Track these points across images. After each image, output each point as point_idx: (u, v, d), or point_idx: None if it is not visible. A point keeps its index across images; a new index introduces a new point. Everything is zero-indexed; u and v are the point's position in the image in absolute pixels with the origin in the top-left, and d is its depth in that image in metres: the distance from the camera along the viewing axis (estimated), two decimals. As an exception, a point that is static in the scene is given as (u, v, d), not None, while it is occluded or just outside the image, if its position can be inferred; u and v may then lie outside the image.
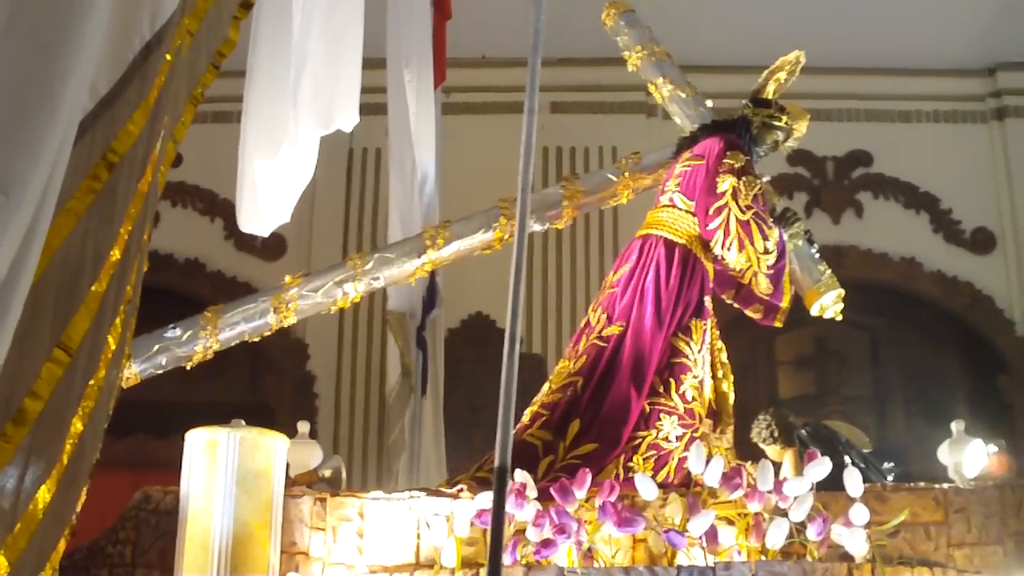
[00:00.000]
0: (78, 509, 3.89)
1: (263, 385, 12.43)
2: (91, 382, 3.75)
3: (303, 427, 7.88)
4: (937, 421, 12.44)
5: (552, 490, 6.13)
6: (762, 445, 7.59)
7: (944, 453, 7.72)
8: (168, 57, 4.06)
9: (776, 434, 7.53)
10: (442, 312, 9.27)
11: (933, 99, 14.23)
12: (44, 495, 3.58)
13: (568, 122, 13.84)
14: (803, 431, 7.50)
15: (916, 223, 13.85)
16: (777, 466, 7.07)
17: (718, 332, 7.44)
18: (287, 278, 7.67)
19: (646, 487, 6.20)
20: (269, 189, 6.78)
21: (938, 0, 13.10)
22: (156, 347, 7.24)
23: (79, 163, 3.67)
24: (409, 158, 9.07)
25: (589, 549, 6.06)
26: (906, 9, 13.22)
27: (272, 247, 13.31)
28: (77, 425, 3.74)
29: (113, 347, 3.87)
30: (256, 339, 7.72)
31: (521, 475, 6.20)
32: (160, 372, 7.31)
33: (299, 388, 12.84)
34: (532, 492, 6.16)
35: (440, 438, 9.25)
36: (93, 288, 3.72)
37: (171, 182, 13.35)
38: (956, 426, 7.77)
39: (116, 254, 3.84)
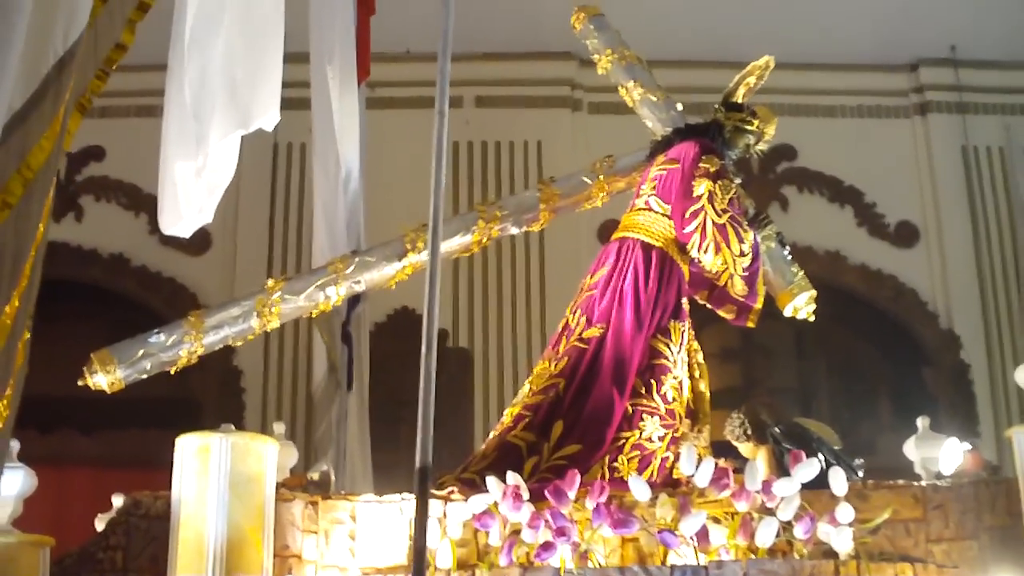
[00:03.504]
0: None
1: (189, 380, 12.29)
2: (3, 401, 3.70)
3: (279, 428, 7.84)
4: (862, 413, 12.59)
5: (547, 492, 6.25)
6: (735, 443, 7.73)
7: (911, 448, 7.87)
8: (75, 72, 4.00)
9: (749, 432, 7.69)
10: (367, 307, 9.21)
11: (857, 94, 14.42)
12: None
13: (493, 116, 13.85)
14: (776, 429, 7.63)
15: (841, 217, 14.01)
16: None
17: (693, 333, 7.60)
18: (269, 282, 7.75)
19: (639, 489, 6.33)
20: (189, 190, 6.68)
21: (861, -4, 13.25)
22: (140, 352, 7.25)
23: None
24: (333, 154, 9.00)
25: (585, 550, 6.18)
26: (829, 5, 13.40)
27: (197, 242, 13.17)
28: None
29: (19, 364, 3.82)
30: (239, 343, 7.80)
31: (513, 477, 6.34)
32: (144, 377, 7.34)
33: (225, 383, 12.75)
34: (525, 494, 6.26)
35: (365, 433, 9.20)
36: (7, 308, 3.66)
37: (94, 177, 13.31)
38: (922, 422, 7.93)
39: (27, 273, 3.78)
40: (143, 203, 13.15)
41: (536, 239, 13.09)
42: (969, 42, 13.97)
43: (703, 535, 6.17)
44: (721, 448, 7.67)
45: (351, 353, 8.96)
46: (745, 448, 7.65)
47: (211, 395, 12.72)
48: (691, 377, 7.49)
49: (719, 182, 7.55)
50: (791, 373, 13.56)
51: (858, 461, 7.60)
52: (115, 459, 12.12)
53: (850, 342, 13.65)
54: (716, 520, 6.32)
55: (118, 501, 7.08)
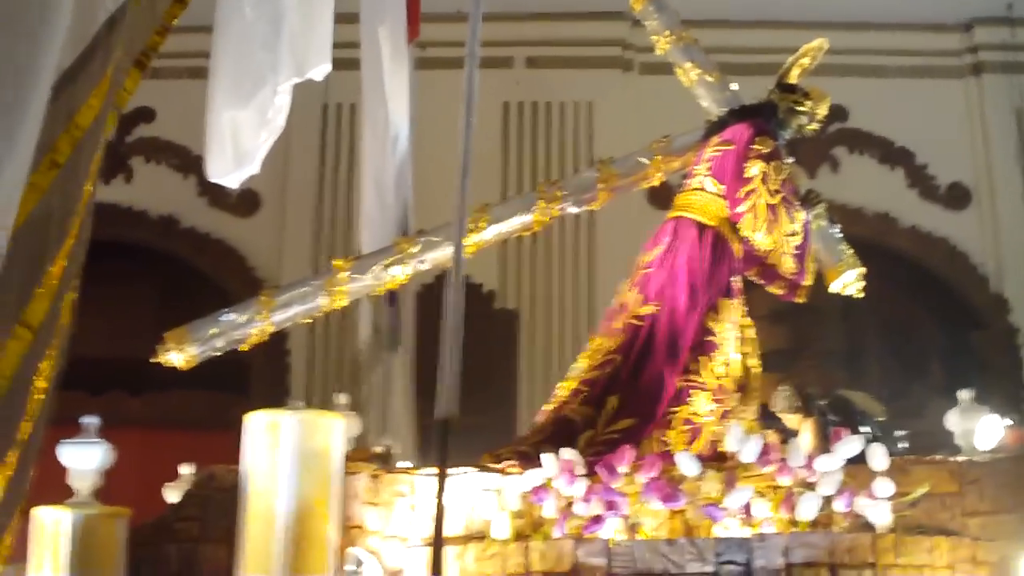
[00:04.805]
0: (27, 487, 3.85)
1: (235, 341, 12.36)
2: (45, 361, 3.71)
3: (342, 399, 8.05)
4: (911, 376, 12.48)
5: (597, 468, 6.49)
6: (782, 415, 7.85)
7: (952, 420, 7.91)
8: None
9: (796, 404, 7.75)
10: (414, 268, 9.23)
11: (910, 54, 14.29)
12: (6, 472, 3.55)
13: (544, 77, 13.85)
14: (821, 401, 7.68)
15: (891, 178, 13.93)
16: (794, 433, 7.65)
17: (745, 309, 7.83)
18: (337, 261, 8.03)
19: (689, 464, 6.50)
20: (241, 139, 6.74)
21: (916, -45, 13.10)
22: (213, 331, 7.61)
23: (40, 137, 3.60)
24: (382, 114, 9.06)
25: (634, 523, 6.39)
26: (884, -36, 13.22)
27: (246, 203, 13.31)
28: (34, 405, 3.70)
29: (64, 322, 3.84)
30: (308, 320, 8.26)
31: (569, 452, 6.58)
32: (218, 354, 7.72)
33: (271, 343, 12.74)
34: (581, 470, 6.47)
35: (411, 394, 9.22)
36: (52, 268, 3.67)
37: (144, 138, 13.42)
38: (965, 395, 7.96)
39: (74, 232, 3.79)
40: (193, 165, 13.20)
41: (585, 200, 13.08)
42: (1026, 0, 13.79)
43: (747, 508, 6.36)
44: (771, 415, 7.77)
45: (397, 314, 8.98)
46: (791, 420, 7.76)
47: (257, 356, 12.73)
48: (741, 353, 7.67)
49: (772, 163, 7.74)
50: (839, 335, 13.48)
51: (900, 433, 7.63)
52: (163, 420, 12.23)
53: (899, 305, 13.55)
54: (760, 494, 6.47)
55: (185, 470, 7.16)
